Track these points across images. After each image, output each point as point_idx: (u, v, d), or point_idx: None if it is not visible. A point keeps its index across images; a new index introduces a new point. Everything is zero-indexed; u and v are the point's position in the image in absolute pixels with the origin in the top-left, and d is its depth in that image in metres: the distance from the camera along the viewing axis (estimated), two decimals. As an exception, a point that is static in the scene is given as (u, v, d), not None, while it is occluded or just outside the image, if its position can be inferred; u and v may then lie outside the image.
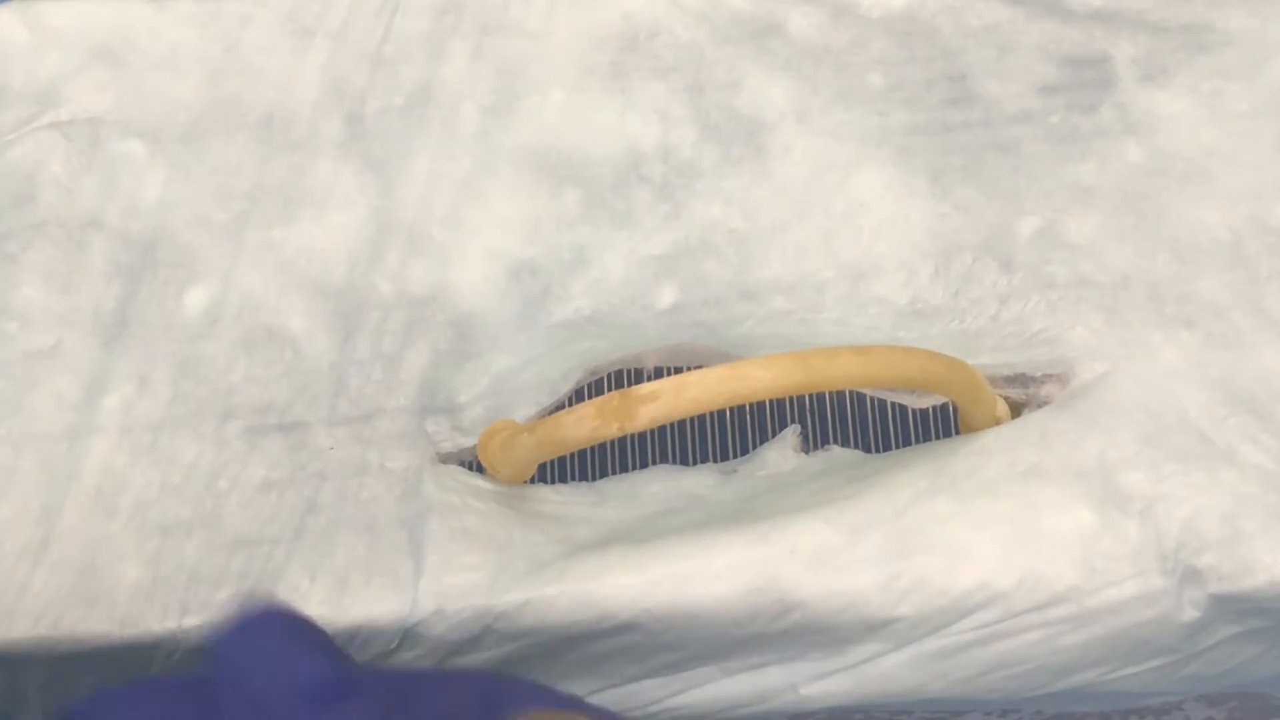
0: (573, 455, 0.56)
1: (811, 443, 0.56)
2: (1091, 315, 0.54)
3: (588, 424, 0.47)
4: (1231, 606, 0.49)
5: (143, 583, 0.49)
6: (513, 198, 0.57)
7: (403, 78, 0.60)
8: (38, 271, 0.55)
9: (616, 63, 0.60)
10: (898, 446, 0.59)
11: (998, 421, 0.53)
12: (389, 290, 0.56)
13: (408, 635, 0.49)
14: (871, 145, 0.58)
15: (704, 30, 0.60)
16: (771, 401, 0.59)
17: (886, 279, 0.56)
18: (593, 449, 0.56)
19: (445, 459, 0.53)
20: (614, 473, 0.55)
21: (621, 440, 0.58)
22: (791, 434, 0.55)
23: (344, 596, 0.49)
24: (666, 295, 0.56)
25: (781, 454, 0.54)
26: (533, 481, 0.55)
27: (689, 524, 0.50)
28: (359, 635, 0.49)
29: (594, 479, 0.55)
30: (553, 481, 0.56)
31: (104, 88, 0.59)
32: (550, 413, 0.52)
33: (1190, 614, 0.49)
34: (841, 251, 0.56)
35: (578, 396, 0.57)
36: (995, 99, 0.59)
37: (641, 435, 0.59)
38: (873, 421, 0.59)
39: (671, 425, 0.58)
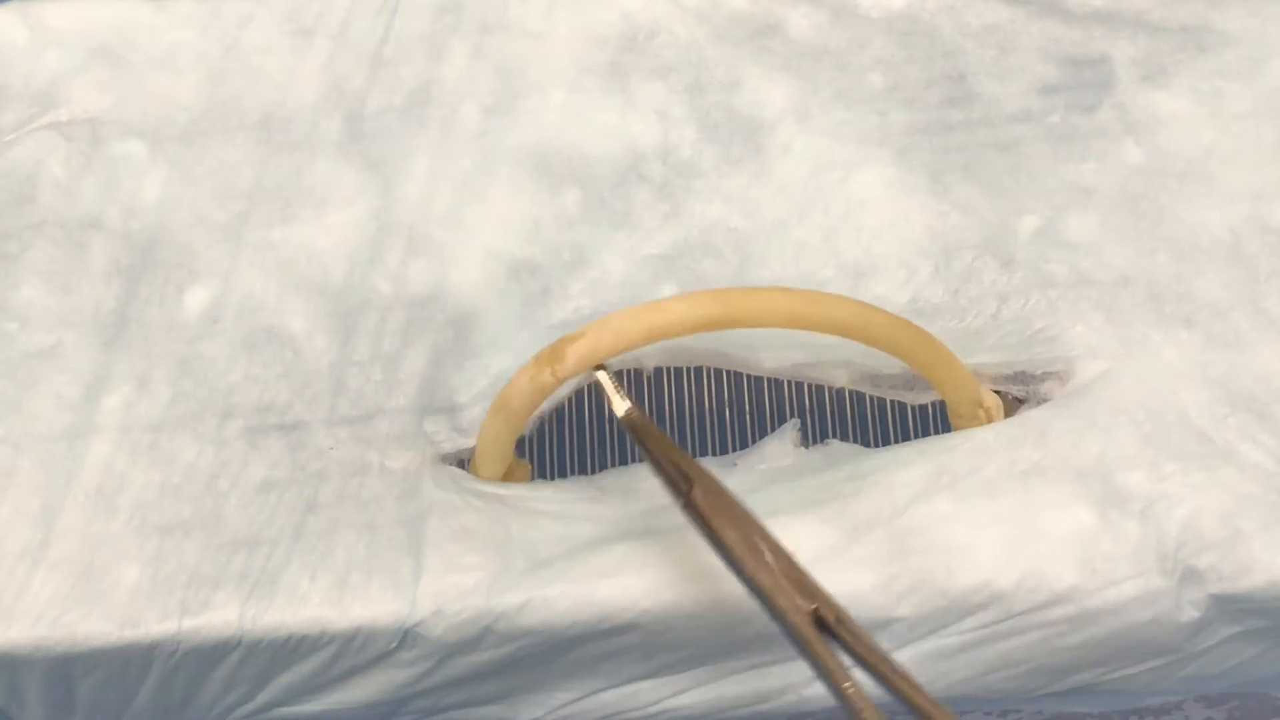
0: (572, 452, 0.56)
1: (813, 440, 0.56)
2: (1091, 314, 0.54)
3: (526, 375, 0.47)
4: (1231, 606, 0.49)
5: (143, 583, 0.49)
6: (512, 197, 0.57)
7: (403, 78, 0.60)
8: (38, 271, 0.55)
9: (616, 62, 0.60)
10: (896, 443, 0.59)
11: (985, 411, 0.52)
12: (389, 290, 0.56)
13: (407, 636, 0.49)
14: (871, 145, 0.58)
15: (704, 30, 0.60)
16: (771, 398, 0.59)
17: (886, 278, 0.56)
18: (592, 446, 0.56)
19: (444, 459, 0.53)
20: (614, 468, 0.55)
21: (623, 443, 0.58)
22: (791, 428, 0.54)
23: (344, 597, 0.49)
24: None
25: (781, 448, 0.54)
26: (532, 480, 0.55)
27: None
28: (359, 635, 0.49)
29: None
30: (553, 479, 0.56)
31: (104, 88, 0.59)
32: (548, 416, 0.52)
33: (1190, 614, 0.49)
34: (841, 250, 0.56)
35: (577, 398, 0.57)
36: (995, 99, 0.59)
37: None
38: (872, 419, 0.59)
39: (671, 421, 0.58)
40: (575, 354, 0.47)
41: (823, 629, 0.43)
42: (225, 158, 0.58)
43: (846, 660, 0.42)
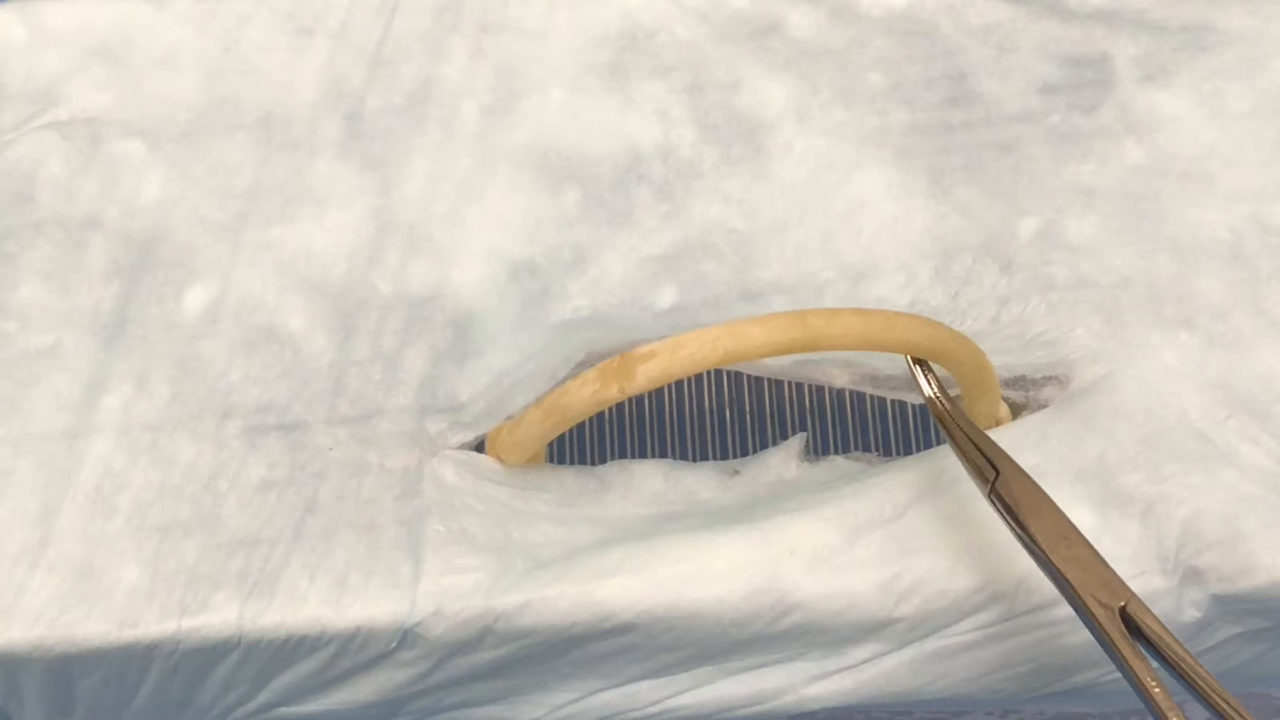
0: (573, 456, 0.56)
1: (813, 441, 0.56)
2: (1091, 317, 0.54)
3: (590, 387, 0.47)
4: (1232, 607, 0.49)
5: (142, 583, 0.49)
6: (512, 197, 0.57)
7: (402, 77, 0.60)
8: (37, 271, 0.55)
9: (616, 62, 0.60)
10: (899, 447, 0.59)
11: (998, 423, 0.53)
12: (388, 290, 0.56)
13: (407, 636, 0.49)
14: (871, 145, 0.58)
15: (704, 30, 0.60)
16: (771, 398, 0.59)
17: (886, 280, 0.56)
18: (594, 452, 0.56)
19: (449, 450, 0.53)
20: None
21: (622, 441, 0.58)
22: (796, 441, 0.54)
23: (343, 597, 0.49)
24: (666, 296, 0.56)
25: (785, 462, 0.54)
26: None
27: (689, 527, 0.50)
28: (358, 636, 0.49)
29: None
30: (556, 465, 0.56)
31: (103, 87, 0.59)
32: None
33: (1191, 614, 0.49)
34: (841, 252, 0.56)
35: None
36: (995, 99, 0.59)
37: (643, 437, 0.59)
38: (872, 419, 0.59)
39: (671, 421, 0.58)
40: (646, 374, 0.46)
41: (1130, 629, 0.43)
42: (225, 157, 0.58)
43: (1154, 663, 0.42)
